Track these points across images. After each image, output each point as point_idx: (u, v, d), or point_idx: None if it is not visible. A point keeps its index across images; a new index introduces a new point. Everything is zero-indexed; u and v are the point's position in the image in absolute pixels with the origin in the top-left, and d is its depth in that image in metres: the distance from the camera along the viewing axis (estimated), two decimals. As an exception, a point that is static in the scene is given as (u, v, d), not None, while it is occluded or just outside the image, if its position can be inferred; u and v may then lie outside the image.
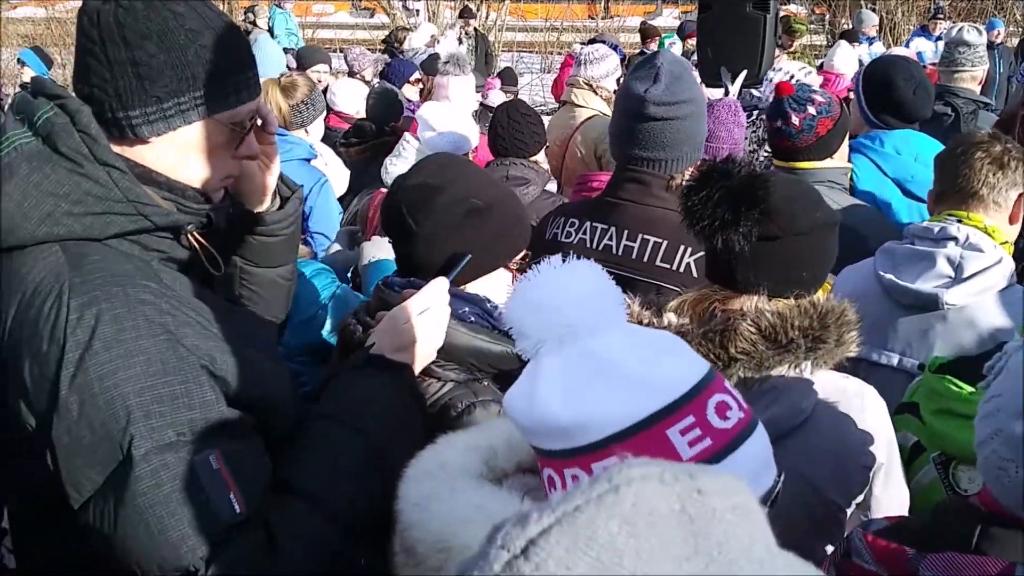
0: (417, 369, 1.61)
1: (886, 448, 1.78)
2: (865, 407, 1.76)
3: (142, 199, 1.30)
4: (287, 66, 7.90)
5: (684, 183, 1.82)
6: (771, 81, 4.58)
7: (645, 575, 0.49)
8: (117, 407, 1.17)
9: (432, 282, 1.67)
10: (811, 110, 3.23)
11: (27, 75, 6.25)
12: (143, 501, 1.16)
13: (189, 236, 1.42)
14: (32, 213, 1.24)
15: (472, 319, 2.03)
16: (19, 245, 1.26)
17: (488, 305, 2.02)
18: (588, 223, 2.46)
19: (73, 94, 1.31)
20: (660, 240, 2.36)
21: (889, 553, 1.17)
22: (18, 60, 6.52)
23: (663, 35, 9.94)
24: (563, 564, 0.48)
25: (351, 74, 7.29)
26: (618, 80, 5.04)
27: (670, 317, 1.55)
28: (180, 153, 1.35)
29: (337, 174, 4.18)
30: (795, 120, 3.22)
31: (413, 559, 0.96)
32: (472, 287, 2.00)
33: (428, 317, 1.64)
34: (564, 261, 0.97)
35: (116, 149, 1.32)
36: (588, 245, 2.44)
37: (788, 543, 1.18)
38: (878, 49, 10.42)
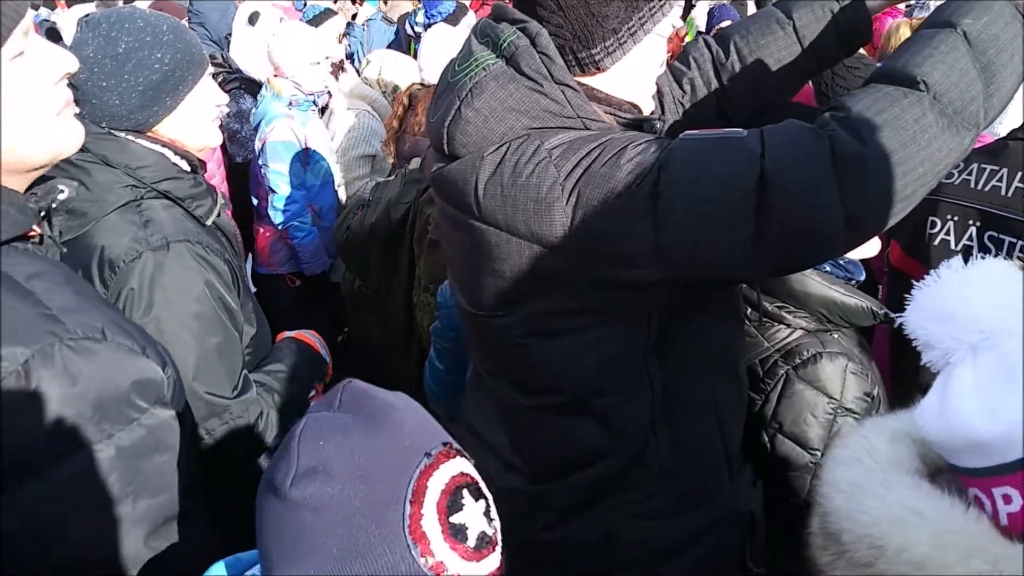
0: None
1: None
2: None
3: (590, 115, 1.37)
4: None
5: None
6: None
7: None
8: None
9: None
10: None
11: (366, 12, 6.81)
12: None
13: None
14: (496, 127, 1.34)
15: (827, 268, 1.96)
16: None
17: None
18: (975, 164, 2.27)
19: (533, 20, 1.37)
20: None
21: None
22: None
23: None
24: None
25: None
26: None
27: None
28: (626, 71, 1.41)
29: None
30: None
31: (836, 546, 0.92)
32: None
33: None
34: (966, 264, 0.88)
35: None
36: (972, 186, 2.26)
37: None
38: None
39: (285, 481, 0.84)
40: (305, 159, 3.75)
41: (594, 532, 1.53)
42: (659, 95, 1.72)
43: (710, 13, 6.98)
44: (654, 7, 1.38)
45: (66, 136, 1.12)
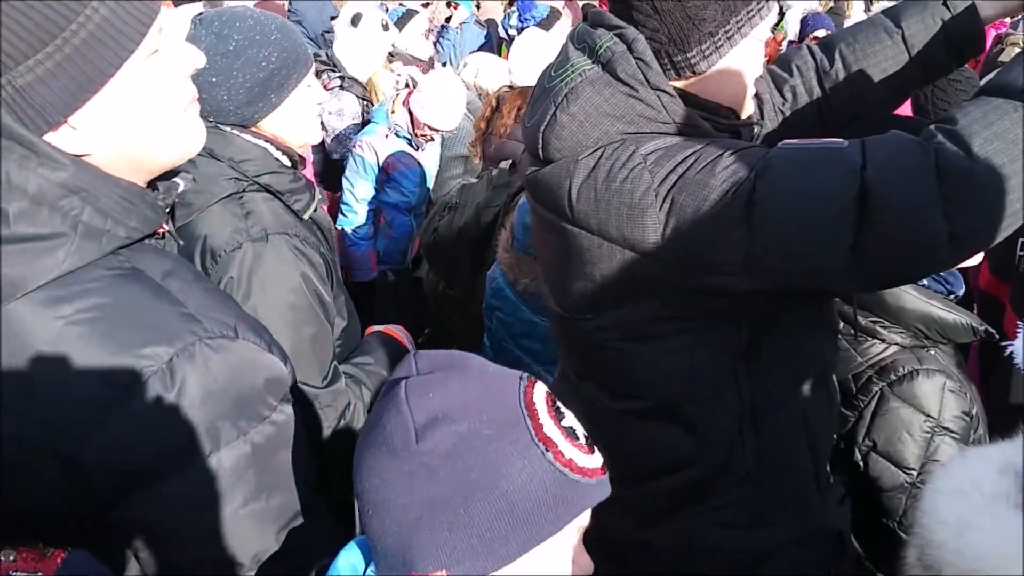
0: None
1: None
2: None
3: (686, 121, 1.35)
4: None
5: None
6: None
7: None
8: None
9: None
10: None
11: (460, 15, 6.91)
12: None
13: None
14: (591, 132, 1.34)
15: (925, 281, 1.90)
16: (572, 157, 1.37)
17: None
18: None
19: (629, 25, 1.36)
20: None
21: None
22: (448, 3, 7.21)
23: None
24: None
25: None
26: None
27: None
28: (722, 76, 1.40)
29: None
30: None
31: None
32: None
33: None
34: None
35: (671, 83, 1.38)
36: None
37: None
38: None
39: (408, 440, 0.89)
40: (383, 178, 3.93)
41: (676, 538, 1.52)
42: (759, 101, 1.70)
43: (803, 21, 6.84)
44: (751, 10, 1.36)
45: (192, 134, 1.13)
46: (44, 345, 0.96)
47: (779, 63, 1.76)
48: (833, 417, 1.62)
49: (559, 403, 0.99)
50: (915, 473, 1.74)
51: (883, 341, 1.88)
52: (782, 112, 1.72)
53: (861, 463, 1.81)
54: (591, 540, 1.31)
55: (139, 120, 1.05)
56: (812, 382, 1.52)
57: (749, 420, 1.44)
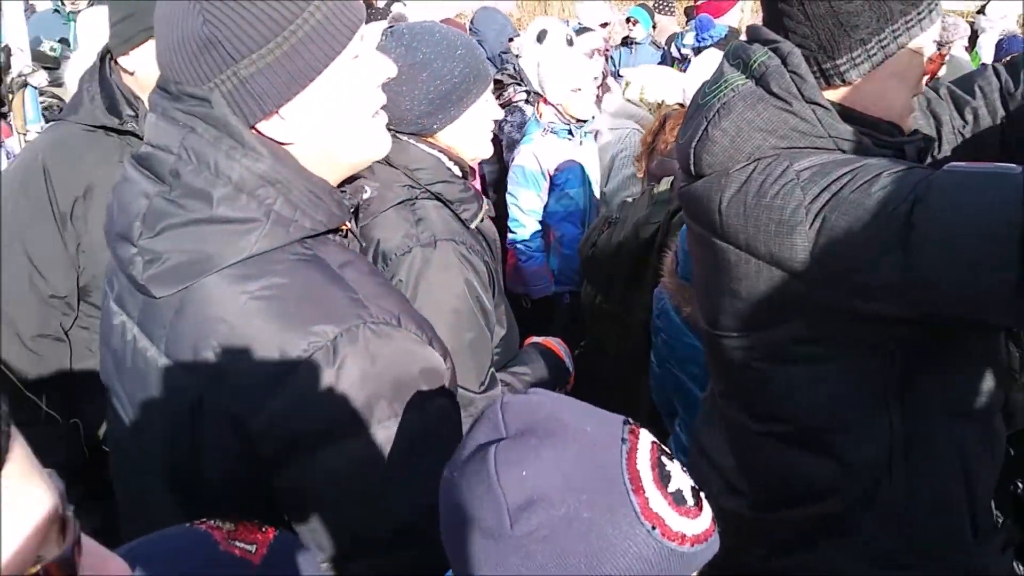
0: None
1: None
2: None
3: (843, 135, 1.32)
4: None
5: None
6: None
7: None
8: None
9: None
10: None
11: (639, 32, 6.91)
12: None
13: None
14: (743, 147, 1.34)
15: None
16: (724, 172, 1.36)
17: None
18: None
19: (785, 39, 1.35)
20: None
21: None
22: (627, 19, 7.22)
23: None
24: None
25: (940, 45, 6.68)
26: None
27: None
28: (877, 87, 1.35)
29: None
30: None
31: None
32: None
33: None
34: None
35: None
36: None
37: None
38: None
39: (502, 522, 0.84)
40: (548, 185, 3.86)
41: (811, 572, 1.46)
42: (937, 123, 1.62)
43: (998, 45, 6.37)
44: (911, 20, 1.30)
45: (379, 140, 1.21)
46: (229, 316, 1.05)
47: (961, 84, 1.67)
48: (997, 458, 1.52)
49: (664, 459, 0.90)
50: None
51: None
52: (962, 135, 1.63)
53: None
54: (719, 565, 1.27)
55: (337, 117, 1.13)
56: (972, 419, 1.44)
57: (900, 454, 1.38)
